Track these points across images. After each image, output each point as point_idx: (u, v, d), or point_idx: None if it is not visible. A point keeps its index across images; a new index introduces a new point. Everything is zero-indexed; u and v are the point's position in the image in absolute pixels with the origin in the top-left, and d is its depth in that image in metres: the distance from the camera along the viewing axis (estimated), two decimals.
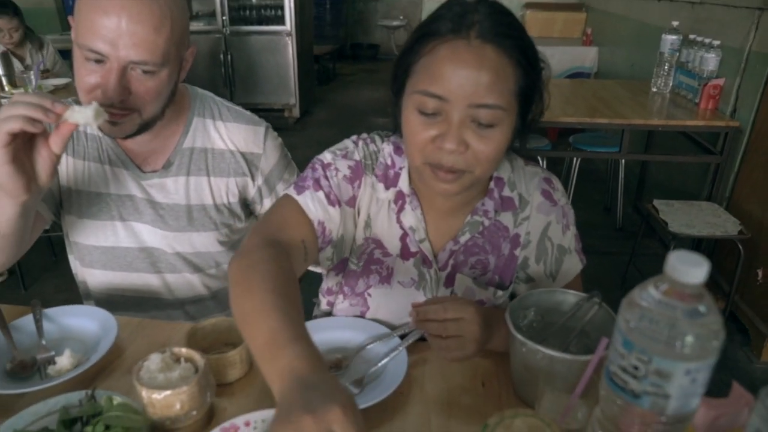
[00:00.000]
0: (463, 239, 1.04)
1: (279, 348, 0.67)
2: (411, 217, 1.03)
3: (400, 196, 1.03)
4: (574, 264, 1.08)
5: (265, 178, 1.28)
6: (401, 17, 8.68)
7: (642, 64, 3.86)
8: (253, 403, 0.84)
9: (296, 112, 5.71)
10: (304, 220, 0.97)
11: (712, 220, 2.48)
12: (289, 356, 0.65)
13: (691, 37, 2.96)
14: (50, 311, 1.09)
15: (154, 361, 0.84)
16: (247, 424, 0.82)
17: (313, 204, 0.98)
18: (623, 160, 3.49)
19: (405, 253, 1.06)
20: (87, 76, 1.01)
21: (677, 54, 3.01)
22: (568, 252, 1.07)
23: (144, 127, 1.09)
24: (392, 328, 1.03)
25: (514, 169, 1.06)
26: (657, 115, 2.84)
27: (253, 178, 1.26)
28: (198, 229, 1.23)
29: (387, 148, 1.05)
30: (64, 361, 0.96)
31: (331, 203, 0.99)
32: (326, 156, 1.04)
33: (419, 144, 0.89)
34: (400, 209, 1.04)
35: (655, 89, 3.15)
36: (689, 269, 0.54)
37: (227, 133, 1.24)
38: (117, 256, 1.24)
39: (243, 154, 1.25)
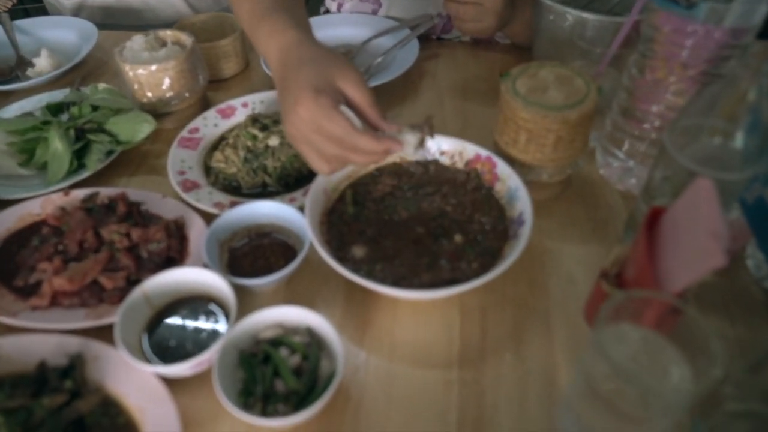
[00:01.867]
0: None
1: (258, 20, 0.60)
2: None
3: None
4: None
5: None
6: None
7: None
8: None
9: None
10: None
11: None
12: (265, 32, 0.58)
13: None
14: (22, 23, 0.99)
15: (137, 41, 0.75)
16: (244, 105, 0.76)
17: None
18: None
19: None
20: None
21: None
22: None
23: None
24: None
25: None
26: None
27: None
28: None
29: None
30: (42, 62, 0.88)
31: None
32: None
33: None
34: None
35: None
36: None
37: None
38: None
39: None
